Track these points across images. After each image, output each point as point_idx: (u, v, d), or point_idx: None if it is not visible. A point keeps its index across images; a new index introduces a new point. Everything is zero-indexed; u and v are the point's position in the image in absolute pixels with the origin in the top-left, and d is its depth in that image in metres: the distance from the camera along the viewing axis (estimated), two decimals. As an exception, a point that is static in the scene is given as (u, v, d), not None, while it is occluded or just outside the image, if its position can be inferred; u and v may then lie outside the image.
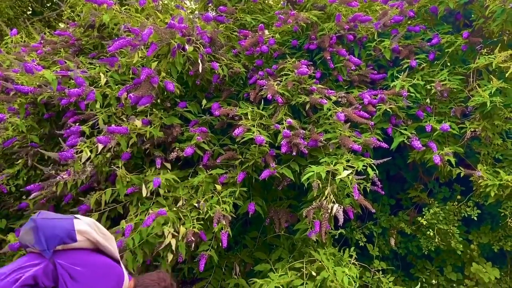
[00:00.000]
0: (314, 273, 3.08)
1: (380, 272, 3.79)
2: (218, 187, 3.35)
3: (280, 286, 2.96)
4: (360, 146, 3.29)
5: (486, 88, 3.59)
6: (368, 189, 3.33)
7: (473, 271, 3.99)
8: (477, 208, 3.90)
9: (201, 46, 3.53)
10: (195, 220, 3.11)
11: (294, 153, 3.30)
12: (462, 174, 3.62)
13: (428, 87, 3.80)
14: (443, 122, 3.63)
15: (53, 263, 1.65)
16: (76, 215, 1.81)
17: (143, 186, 3.25)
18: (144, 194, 3.23)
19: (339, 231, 3.52)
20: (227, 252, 3.87)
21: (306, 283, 3.03)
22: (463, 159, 3.91)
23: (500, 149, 3.83)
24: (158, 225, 3.01)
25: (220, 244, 3.11)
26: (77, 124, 3.49)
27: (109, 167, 3.35)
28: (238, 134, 3.27)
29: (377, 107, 3.68)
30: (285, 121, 3.42)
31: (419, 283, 3.89)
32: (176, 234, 2.99)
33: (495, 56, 3.63)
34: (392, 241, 4.15)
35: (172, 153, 3.43)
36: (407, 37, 4.28)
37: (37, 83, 3.42)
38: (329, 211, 2.96)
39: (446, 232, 3.87)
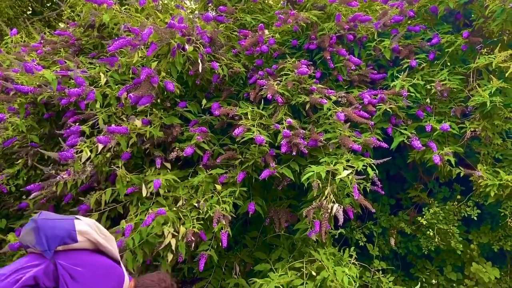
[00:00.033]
0: (314, 273, 3.08)
1: (380, 272, 3.79)
2: (218, 187, 3.35)
3: (280, 286, 2.96)
4: (360, 146, 3.29)
5: (486, 88, 3.59)
6: (368, 189, 3.33)
7: (473, 271, 3.99)
8: (477, 208, 3.90)
9: (201, 46, 3.53)
10: (195, 220, 3.11)
11: (294, 153, 3.30)
12: (462, 174, 3.61)
13: (428, 87, 3.80)
14: (443, 122, 3.63)
15: (54, 264, 1.65)
16: (76, 216, 1.82)
17: (143, 186, 3.25)
18: (144, 194, 3.23)
19: (339, 231, 3.53)
20: (227, 252, 3.87)
21: (306, 283, 3.03)
22: (463, 159, 3.91)
23: (500, 149, 3.83)
24: (158, 225, 3.01)
25: (220, 244, 3.12)
26: (77, 124, 3.49)
27: (109, 167, 3.35)
28: (238, 134, 3.27)
29: (377, 107, 3.68)
30: (285, 121, 3.42)
31: (419, 283, 3.90)
32: (176, 234, 2.99)
33: (495, 56, 3.63)
34: (392, 241, 4.16)
35: (172, 153, 3.43)
36: (407, 37, 4.28)
37: (37, 83, 3.42)
38: (329, 211, 2.96)
39: (446, 232, 3.87)
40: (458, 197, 3.98)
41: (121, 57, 3.74)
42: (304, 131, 3.42)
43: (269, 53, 4.12)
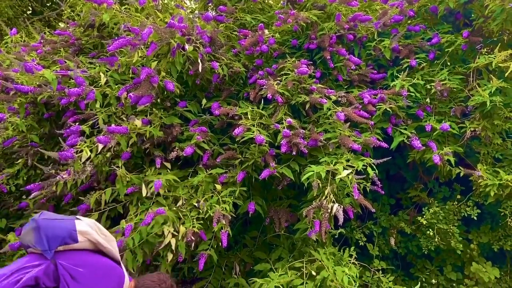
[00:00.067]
0: (314, 273, 3.08)
1: (380, 272, 3.79)
2: (218, 186, 3.35)
3: (280, 286, 2.96)
4: (360, 145, 3.29)
5: (486, 88, 3.59)
6: (368, 189, 3.33)
7: (473, 270, 3.99)
8: (477, 207, 3.90)
9: (201, 45, 3.53)
10: (195, 220, 3.11)
11: (294, 153, 3.30)
12: (462, 174, 3.62)
13: (428, 86, 3.80)
14: (443, 121, 3.63)
15: (55, 264, 1.65)
16: (77, 216, 1.82)
17: (143, 185, 3.25)
18: (144, 194, 3.23)
19: (339, 231, 3.53)
20: (227, 251, 3.88)
21: (306, 283, 3.03)
22: (463, 159, 3.91)
23: (500, 148, 3.83)
24: (158, 224, 3.01)
25: (220, 243, 3.12)
26: (77, 123, 3.49)
27: (109, 167, 3.35)
28: (238, 134, 3.27)
29: (377, 107, 3.68)
30: (285, 120, 3.42)
31: (419, 282, 3.89)
32: (176, 233, 2.99)
33: (495, 56, 3.63)
34: (392, 241, 4.16)
35: (172, 152, 3.43)
36: (407, 37, 4.28)
37: (37, 83, 3.42)
38: (329, 210, 2.96)
39: (446, 232, 3.87)
40: (458, 197, 3.98)
41: (121, 57, 3.74)
42: (304, 131, 3.42)
43: (269, 52, 4.12)
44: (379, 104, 3.68)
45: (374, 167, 3.21)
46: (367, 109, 3.65)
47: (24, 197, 3.88)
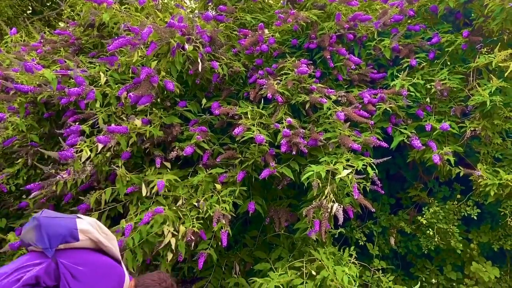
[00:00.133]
0: (314, 272, 3.08)
1: (380, 271, 3.79)
2: (218, 186, 3.35)
3: (280, 285, 2.96)
4: (360, 145, 3.29)
5: (486, 87, 3.59)
6: (368, 188, 3.33)
7: (473, 270, 4.00)
8: (477, 207, 3.90)
9: (201, 45, 3.53)
10: (194, 219, 3.11)
11: (294, 152, 3.30)
12: (461, 174, 3.62)
13: (428, 86, 3.80)
14: (443, 121, 3.63)
15: (55, 262, 1.65)
16: (78, 215, 1.82)
17: (143, 185, 3.25)
18: (144, 194, 3.23)
19: (339, 230, 3.52)
20: (227, 251, 3.88)
21: (306, 282, 3.03)
22: (463, 158, 3.91)
23: (500, 148, 3.83)
24: (158, 224, 3.01)
25: (220, 243, 3.12)
26: (77, 123, 3.49)
27: (109, 167, 3.35)
28: (238, 133, 3.27)
29: (377, 106, 3.68)
30: (285, 120, 3.42)
31: (419, 282, 3.89)
32: (176, 233, 2.99)
33: (495, 55, 3.63)
34: (392, 240, 4.16)
35: (172, 152, 3.43)
36: (407, 36, 4.28)
37: (37, 82, 3.42)
38: (329, 210, 2.96)
39: (446, 231, 3.87)
40: (458, 196, 3.98)
41: (121, 57, 3.73)
42: (304, 131, 3.42)
43: (269, 52, 4.12)
44: (379, 103, 3.68)
45: (374, 166, 3.21)
46: (367, 109, 3.64)
47: (24, 196, 3.88)
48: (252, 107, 3.60)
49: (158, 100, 3.69)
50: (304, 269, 3.15)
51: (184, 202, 3.26)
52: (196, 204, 3.20)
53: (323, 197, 3.03)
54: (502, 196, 3.52)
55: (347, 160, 3.19)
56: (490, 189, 3.46)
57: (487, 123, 3.61)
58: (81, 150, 3.17)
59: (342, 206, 3.02)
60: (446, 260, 4.28)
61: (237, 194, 3.34)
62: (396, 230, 4.24)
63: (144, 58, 3.55)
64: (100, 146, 3.20)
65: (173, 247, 2.94)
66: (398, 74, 3.85)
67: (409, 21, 4.51)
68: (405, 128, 3.71)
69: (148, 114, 3.50)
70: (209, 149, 3.54)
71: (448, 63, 4.20)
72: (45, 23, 9.03)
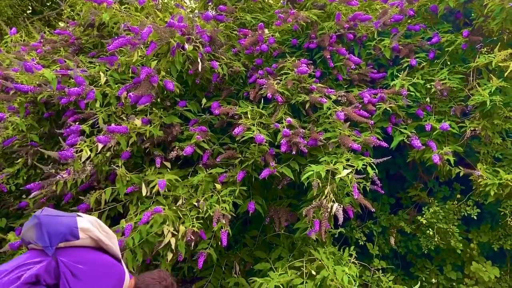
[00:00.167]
0: (314, 272, 3.08)
1: (380, 271, 3.80)
2: (218, 186, 3.35)
3: (280, 285, 2.96)
4: (359, 145, 3.29)
5: (486, 87, 3.59)
6: (368, 188, 3.33)
7: (473, 270, 4.00)
8: (477, 207, 3.90)
9: (201, 45, 3.53)
10: (194, 219, 3.11)
11: (294, 152, 3.30)
12: (461, 173, 3.62)
13: (428, 86, 3.80)
14: (443, 121, 3.63)
15: (56, 261, 1.65)
16: (78, 213, 1.82)
17: (143, 185, 3.26)
18: (144, 193, 3.23)
19: (339, 230, 3.52)
20: (227, 251, 3.88)
21: (306, 282, 3.03)
22: (463, 158, 3.91)
23: (499, 148, 3.83)
24: (157, 224, 3.01)
25: (220, 243, 3.12)
26: (77, 123, 3.49)
27: (109, 166, 3.35)
28: (238, 133, 3.27)
29: (377, 106, 3.67)
30: (285, 120, 3.42)
31: (419, 282, 3.89)
32: (176, 233, 2.99)
33: (495, 55, 3.63)
34: (392, 240, 4.16)
35: (172, 152, 3.43)
36: (407, 36, 4.28)
37: (37, 82, 3.42)
38: (328, 210, 2.96)
39: (446, 231, 3.87)
40: (458, 196, 3.98)
41: (120, 56, 3.74)
42: (304, 130, 3.42)
43: (269, 52, 4.12)
44: (379, 103, 3.68)
45: (374, 166, 3.21)
46: (367, 109, 3.64)
47: (24, 196, 3.88)
48: (252, 107, 3.60)
49: (158, 100, 3.69)
50: (304, 269, 3.15)
51: (184, 202, 3.26)
52: (196, 204, 3.20)
53: (323, 197, 3.03)
54: (502, 196, 3.52)
55: (347, 160, 3.19)
56: (490, 189, 3.46)
57: (487, 123, 3.61)
58: (81, 150, 3.17)
59: (342, 206, 3.02)
60: (446, 260, 4.28)
61: (237, 194, 3.34)
62: (396, 230, 4.24)
63: (144, 58, 3.55)
64: (100, 146, 3.20)
65: (173, 247, 2.94)
66: (398, 74, 3.85)
67: (409, 21, 4.51)
68: (405, 128, 3.71)
69: (148, 114, 3.50)
70: (209, 149, 3.54)
71: (448, 63, 4.20)
72: (45, 23, 9.03)
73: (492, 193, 3.45)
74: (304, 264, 3.20)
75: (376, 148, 3.52)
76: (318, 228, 2.99)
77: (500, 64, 3.59)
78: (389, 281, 3.62)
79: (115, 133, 3.19)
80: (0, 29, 6.33)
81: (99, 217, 3.28)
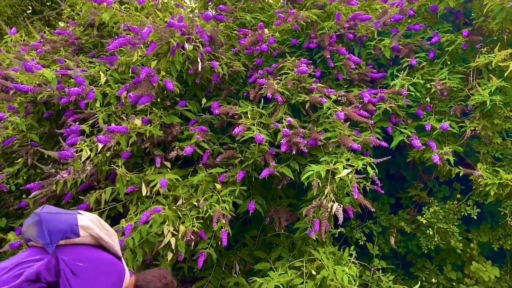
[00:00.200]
0: (314, 272, 3.08)
1: (380, 271, 3.79)
2: (218, 186, 3.35)
3: (280, 285, 2.96)
4: (359, 145, 3.29)
5: (486, 87, 3.59)
6: (367, 188, 3.33)
7: (473, 269, 4.00)
8: (477, 207, 3.90)
9: (201, 45, 3.53)
10: (194, 219, 3.11)
11: (294, 152, 3.30)
12: (461, 173, 3.62)
13: (428, 86, 3.80)
14: (443, 121, 3.63)
15: (56, 258, 1.65)
16: (79, 211, 1.82)
17: (143, 185, 3.26)
18: (144, 193, 3.24)
19: (339, 230, 3.52)
20: (227, 250, 3.88)
21: (306, 282, 3.03)
22: (463, 158, 3.91)
23: (499, 148, 3.83)
24: (157, 223, 3.01)
25: (220, 242, 3.12)
26: (77, 123, 3.49)
27: (109, 166, 3.35)
28: (238, 133, 3.27)
29: (377, 106, 3.67)
30: (285, 120, 3.42)
31: (419, 282, 3.89)
32: (176, 233, 2.99)
33: (495, 55, 3.63)
34: (392, 240, 4.16)
35: (172, 152, 3.43)
36: (407, 36, 4.28)
37: (37, 82, 3.42)
38: (328, 210, 2.96)
39: (446, 231, 3.87)
40: (458, 196, 3.98)
41: (120, 56, 3.74)
42: (304, 130, 3.42)
43: (269, 52, 4.12)
44: (379, 103, 3.68)
45: (374, 166, 3.21)
46: (367, 108, 3.64)
47: (24, 196, 3.88)
48: (252, 107, 3.60)
49: (158, 99, 3.69)
50: (304, 269, 3.15)
51: (184, 201, 3.26)
52: (196, 203, 3.20)
53: (323, 196, 3.03)
54: (502, 195, 3.52)
55: (347, 160, 3.19)
56: (490, 189, 3.46)
57: (487, 123, 3.61)
58: (81, 150, 3.17)
59: (342, 205, 3.02)
60: (446, 260, 4.28)
61: (237, 193, 3.34)
62: (396, 229, 4.24)
63: (144, 58, 3.55)
64: (100, 145, 3.20)
65: (173, 246, 2.94)
66: (398, 74, 3.85)
67: (409, 21, 4.51)
68: (405, 128, 3.71)
69: (148, 114, 3.50)
70: (209, 149, 3.54)
71: (448, 62, 4.20)
72: (45, 23, 9.03)
73: (492, 193, 3.45)
74: (304, 264, 3.20)
75: (376, 148, 3.52)
76: (318, 228, 2.99)
77: (500, 64, 3.58)
78: (389, 281, 3.62)
79: (115, 133, 3.19)
80: (0, 29, 6.33)
81: (99, 216, 3.27)
